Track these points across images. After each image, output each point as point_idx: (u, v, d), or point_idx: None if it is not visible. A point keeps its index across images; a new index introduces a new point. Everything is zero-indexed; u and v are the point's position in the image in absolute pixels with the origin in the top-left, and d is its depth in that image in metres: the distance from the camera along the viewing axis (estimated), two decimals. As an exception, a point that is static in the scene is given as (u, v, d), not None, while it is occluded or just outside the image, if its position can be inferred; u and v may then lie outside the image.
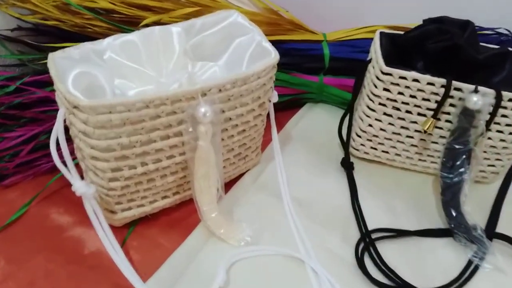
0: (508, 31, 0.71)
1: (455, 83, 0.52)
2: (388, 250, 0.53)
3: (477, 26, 0.71)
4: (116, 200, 0.48)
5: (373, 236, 0.54)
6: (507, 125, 0.54)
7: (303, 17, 0.90)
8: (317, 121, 0.70)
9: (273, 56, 0.48)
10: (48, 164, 0.56)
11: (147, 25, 0.59)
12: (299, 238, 0.53)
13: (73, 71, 0.40)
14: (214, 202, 0.50)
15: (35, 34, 0.59)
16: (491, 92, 0.51)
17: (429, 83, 0.52)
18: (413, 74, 0.52)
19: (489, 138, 0.56)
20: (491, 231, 0.55)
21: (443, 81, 0.52)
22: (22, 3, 0.55)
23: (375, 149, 0.61)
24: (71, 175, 0.43)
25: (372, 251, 0.52)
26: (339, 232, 0.54)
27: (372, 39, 0.61)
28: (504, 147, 0.57)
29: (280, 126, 0.69)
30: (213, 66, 0.50)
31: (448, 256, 0.53)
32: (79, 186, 0.43)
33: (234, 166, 0.56)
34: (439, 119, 0.55)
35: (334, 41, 0.71)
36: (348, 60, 0.69)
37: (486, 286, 0.49)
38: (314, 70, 0.70)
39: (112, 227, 0.51)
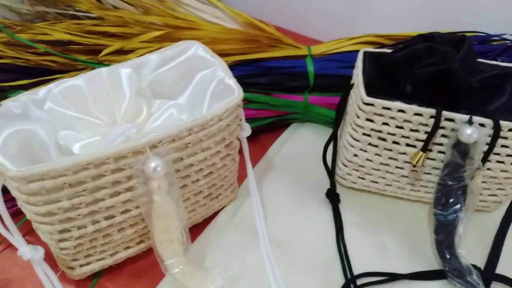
0: (515, 36, 0.63)
1: (446, 114, 0.45)
2: (376, 297, 0.48)
3: (482, 33, 0.64)
4: (71, 258, 0.44)
5: (359, 281, 0.49)
6: (509, 155, 0.48)
7: (293, 26, 0.84)
8: (303, 144, 0.65)
9: (236, 94, 0.43)
10: (13, 208, 0.53)
11: (110, 53, 0.55)
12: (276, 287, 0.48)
13: (4, 132, 0.36)
14: (179, 254, 0.45)
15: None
16: (488, 122, 0.45)
17: (416, 114, 0.46)
18: (398, 104, 0.46)
19: (489, 169, 0.50)
20: (490, 273, 0.50)
21: (432, 111, 0.46)
22: (-33, 43, 0.51)
23: (363, 178, 0.56)
24: (15, 240, 0.40)
25: (357, 299, 0.47)
26: (322, 278, 0.50)
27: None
28: (506, 177, 0.51)
29: (262, 151, 0.64)
30: (171, 106, 0.45)
31: (442, 303, 0.48)
32: (24, 252, 0.40)
33: (206, 206, 0.52)
34: (430, 150, 0.49)
35: (320, 56, 0.65)
36: (335, 77, 0.63)
37: None
38: (298, 89, 0.65)
39: (75, 280, 0.48)
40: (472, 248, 0.53)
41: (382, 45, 0.65)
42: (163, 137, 0.38)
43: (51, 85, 0.41)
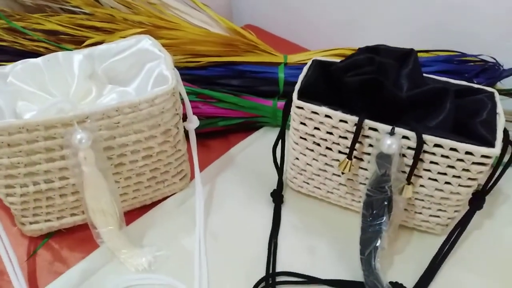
0: (493, 58, 0.61)
1: (369, 122, 0.46)
2: (290, 296, 0.49)
3: (459, 52, 0.63)
4: (20, 214, 0.51)
5: (279, 279, 0.51)
6: (440, 173, 0.47)
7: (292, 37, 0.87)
8: (268, 147, 0.66)
9: (169, 84, 0.47)
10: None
11: (91, 45, 0.62)
12: (198, 272, 0.51)
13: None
14: (111, 226, 0.50)
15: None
16: (412, 135, 0.45)
17: (342, 120, 0.47)
18: (324, 109, 0.47)
19: (422, 186, 0.49)
20: (413, 294, 0.48)
21: (355, 119, 0.46)
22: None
23: (308, 183, 0.57)
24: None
25: (270, 294, 0.49)
26: (246, 272, 0.52)
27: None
28: (443, 198, 0.49)
29: (228, 148, 0.68)
30: (118, 92, 0.50)
31: (356, 313, 0.48)
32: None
33: (152, 189, 0.56)
34: (361, 160, 0.50)
35: (294, 64, 0.68)
36: (304, 85, 0.65)
37: None
38: (270, 94, 0.67)
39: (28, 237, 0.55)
40: (409, 268, 0.52)
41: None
42: (90, 113, 0.44)
43: (18, 62, 0.49)
